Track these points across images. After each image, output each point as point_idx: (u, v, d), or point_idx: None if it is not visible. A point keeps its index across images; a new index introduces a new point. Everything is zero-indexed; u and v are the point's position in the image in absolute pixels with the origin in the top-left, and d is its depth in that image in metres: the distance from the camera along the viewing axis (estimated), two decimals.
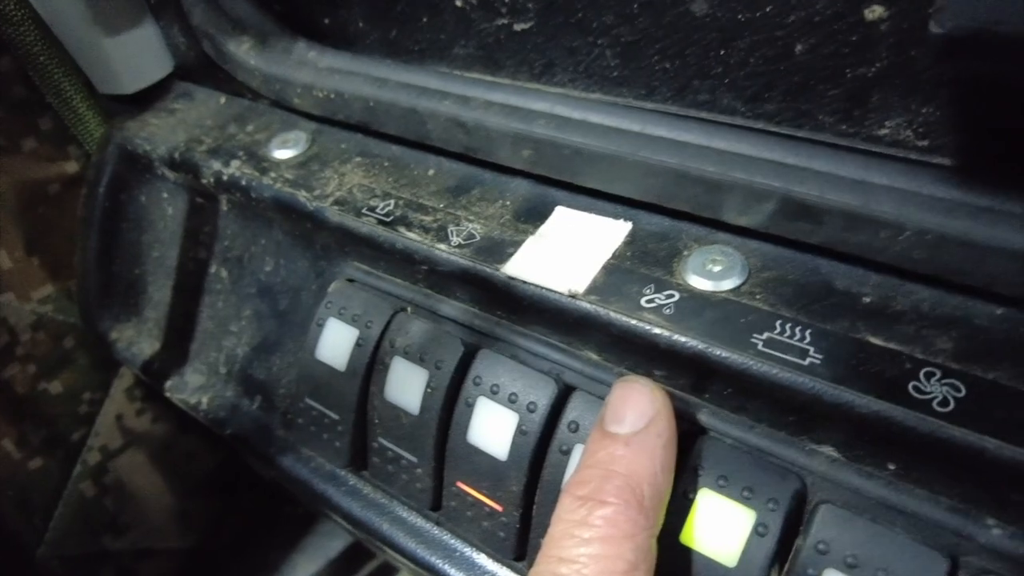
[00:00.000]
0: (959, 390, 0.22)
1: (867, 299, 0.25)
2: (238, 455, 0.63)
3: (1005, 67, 0.18)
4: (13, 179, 0.44)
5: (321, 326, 0.33)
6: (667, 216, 0.29)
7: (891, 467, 0.23)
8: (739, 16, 0.26)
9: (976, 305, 0.24)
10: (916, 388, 0.22)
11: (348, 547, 0.65)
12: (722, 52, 0.27)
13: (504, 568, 0.30)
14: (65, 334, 0.48)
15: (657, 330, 0.25)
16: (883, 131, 0.26)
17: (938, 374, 0.22)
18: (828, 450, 0.24)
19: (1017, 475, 0.21)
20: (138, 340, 0.46)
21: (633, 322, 0.26)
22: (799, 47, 0.26)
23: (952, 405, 0.21)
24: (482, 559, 0.31)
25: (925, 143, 0.25)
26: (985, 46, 0.17)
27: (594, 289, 0.27)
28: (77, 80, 0.43)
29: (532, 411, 0.27)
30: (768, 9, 0.25)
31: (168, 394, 0.43)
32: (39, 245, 0.45)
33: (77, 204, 0.46)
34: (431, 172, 0.35)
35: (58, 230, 0.46)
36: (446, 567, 0.31)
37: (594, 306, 0.27)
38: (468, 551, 0.31)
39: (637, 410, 0.24)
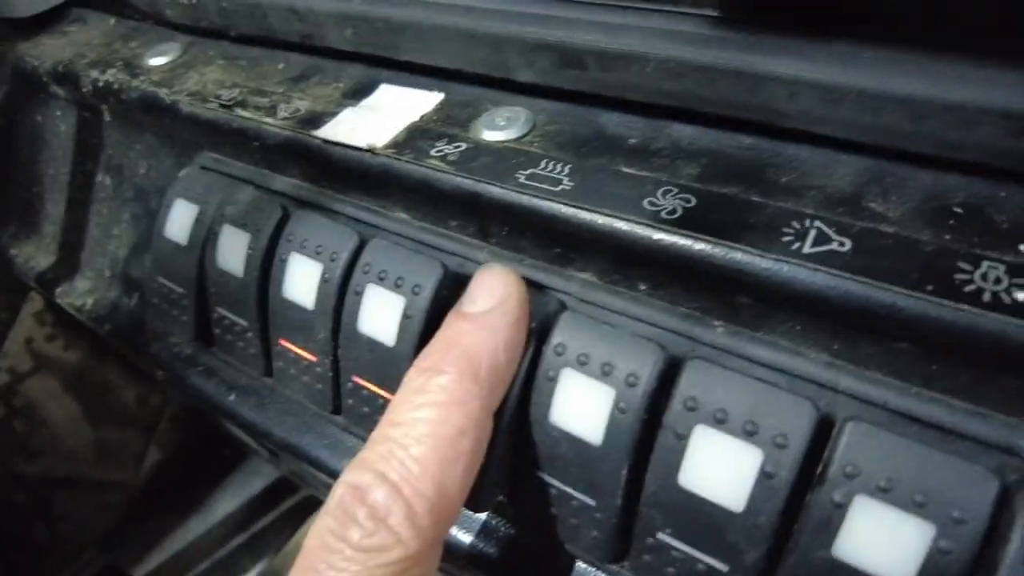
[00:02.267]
0: (689, 202, 0.23)
1: (632, 140, 0.27)
2: (160, 389, 0.65)
3: None
4: None
5: (169, 206, 0.35)
6: (476, 85, 0.31)
7: (642, 287, 0.25)
8: None
9: (730, 138, 0.26)
10: (651, 202, 0.23)
11: (270, 484, 0.66)
12: None
13: (326, 423, 0.32)
14: None
15: (437, 174, 0.27)
16: None
17: (674, 191, 0.24)
18: (587, 276, 0.26)
19: (734, 276, 0.22)
20: (36, 256, 0.48)
21: (419, 169, 0.27)
22: None
23: (679, 213, 0.23)
24: (310, 417, 0.32)
25: None
26: None
27: (393, 145, 0.29)
28: None
29: (334, 260, 0.29)
30: None
31: (58, 300, 0.45)
32: None
33: None
34: (281, 66, 0.37)
35: None
36: (279, 430, 0.33)
37: (389, 159, 0.28)
38: (298, 409, 0.33)
39: (489, 291, 0.25)
